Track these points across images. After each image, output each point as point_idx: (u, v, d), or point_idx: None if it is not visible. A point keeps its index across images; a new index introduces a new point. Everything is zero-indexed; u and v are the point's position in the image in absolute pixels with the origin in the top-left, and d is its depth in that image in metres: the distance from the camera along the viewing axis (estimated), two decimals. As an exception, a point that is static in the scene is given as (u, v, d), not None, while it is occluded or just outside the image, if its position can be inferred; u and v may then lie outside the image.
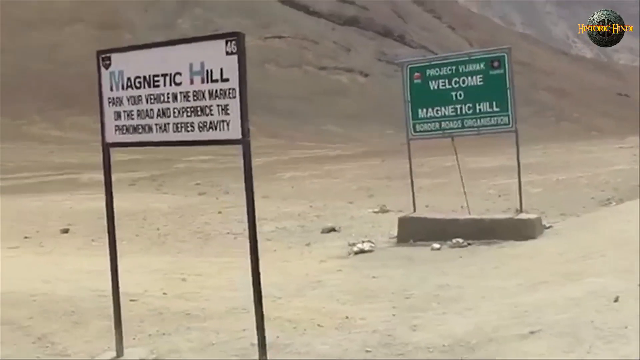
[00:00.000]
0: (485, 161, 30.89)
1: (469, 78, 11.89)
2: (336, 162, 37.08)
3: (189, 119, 6.14)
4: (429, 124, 12.29)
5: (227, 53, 5.83)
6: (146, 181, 27.82)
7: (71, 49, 70.28)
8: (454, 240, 11.00)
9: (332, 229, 13.91)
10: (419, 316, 7.21)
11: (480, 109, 11.88)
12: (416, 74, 12.26)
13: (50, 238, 14.69)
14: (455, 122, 12.08)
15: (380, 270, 9.80)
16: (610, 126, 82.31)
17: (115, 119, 6.72)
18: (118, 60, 6.68)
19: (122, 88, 6.60)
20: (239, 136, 5.89)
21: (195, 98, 6.05)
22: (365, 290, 8.61)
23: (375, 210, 16.63)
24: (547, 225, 11.93)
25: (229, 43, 5.82)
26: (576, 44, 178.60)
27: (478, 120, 11.96)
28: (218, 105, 5.93)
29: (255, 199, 17.00)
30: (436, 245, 11.01)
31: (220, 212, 17.57)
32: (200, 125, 6.07)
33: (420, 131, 12.43)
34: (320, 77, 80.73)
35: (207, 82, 5.96)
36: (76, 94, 62.53)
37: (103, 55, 6.78)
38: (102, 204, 20.04)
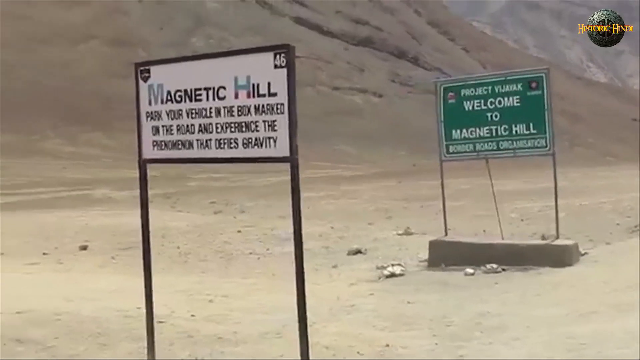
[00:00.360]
0: (505, 184, 30.49)
1: (506, 99, 11.57)
2: (351, 182, 36.83)
3: (233, 135, 5.86)
4: (463, 145, 11.95)
5: (276, 66, 5.56)
6: (160, 198, 27.55)
7: (85, 66, 70.47)
8: (488, 266, 10.66)
9: (358, 251, 13.58)
10: (463, 346, 6.90)
11: (516, 131, 11.55)
12: (450, 93, 11.96)
13: (69, 255, 14.43)
14: (490, 143, 11.74)
15: (415, 295, 9.48)
16: (626, 152, 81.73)
17: (154, 134, 6.44)
18: (157, 73, 6.41)
19: (162, 102, 6.32)
20: (287, 154, 5.61)
21: (240, 113, 5.78)
22: (402, 317, 8.30)
23: (400, 232, 16.30)
24: (583, 252, 11.58)
25: (277, 56, 5.55)
26: (590, 68, 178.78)
27: (514, 142, 11.63)
28: (264, 121, 5.65)
29: (272, 218, 16.85)
30: (469, 270, 10.67)
31: (239, 232, 17.30)
32: (245, 141, 5.79)
33: (454, 152, 12.09)
34: (334, 97, 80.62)
35: (254, 96, 5.69)
36: (89, 110, 62.60)
37: (142, 68, 6.49)
38: (117, 220, 19.83)
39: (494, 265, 10.65)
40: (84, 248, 15.10)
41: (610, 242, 14.68)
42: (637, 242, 12.67)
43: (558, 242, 11.25)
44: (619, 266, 10.08)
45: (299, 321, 5.58)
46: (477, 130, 11.77)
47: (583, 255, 11.40)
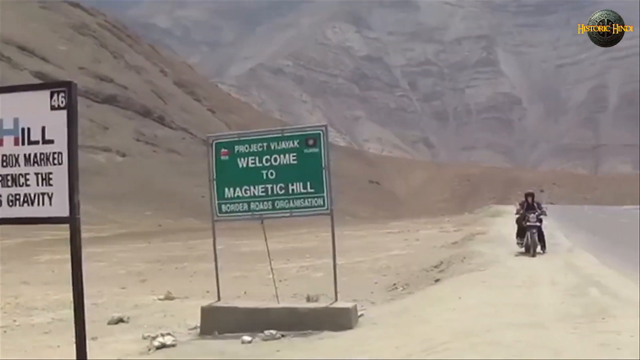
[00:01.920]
0: (256, 244, 30.31)
1: (282, 156, 11.04)
2: (96, 244, 35.00)
3: (-5, 191, 4.83)
4: (237, 205, 11.25)
5: (53, 107, 4.64)
6: None
7: None
8: (267, 332, 9.98)
9: (120, 320, 12.43)
10: None
11: (293, 190, 11.03)
12: (223, 150, 11.26)
13: None
14: (265, 203, 11.11)
15: (191, 368, 8.60)
16: (364, 212, 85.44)
17: None
18: None
19: None
20: (66, 214, 4.69)
21: (4, 164, 4.78)
22: (183, 395, 7.40)
23: (160, 297, 15.30)
24: (359, 313, 11.22)
25: (55, 95, 4.65)
26: (330, 132, 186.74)
27: (291, 202, 11.07)
28: (37, 174, 4.70)
29: (14, 284, 14.99)
30: (247, 338, 9.93)
31: (-22, 301, 15.50)
32: (11, 198, 4.78)
33: (227, 212, 11.34)
34: (76, 156, 77.62)
35: (23, 143, 4.72)
36: None
37: None
38: None
39: (273, 332, 10.00)
40: None
41: (375, 302, 14.59)
42: (409, 302, 12.61)
43: (337, 304, 10.79)
44: (403, 328, 9.78)
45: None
46: (252, 189, 11.14)
47: (360, 316, 11.05)
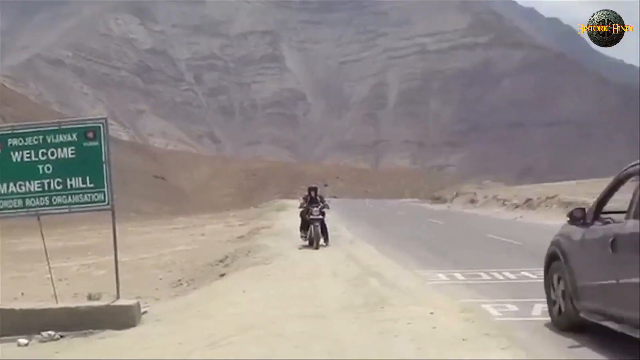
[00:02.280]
0: (35, 243, 29.09)
1: (59, 150, 10.62)
2: None
3: None
4: (11, 201, 10.70)
5: None
6: None
7: None
8: (45, 334, 9.58)
9: None
10: None
11: (72, 185, 10.64)
12: (-4, 143, 10.68)
13: None
14: (42, 199, 10.65)
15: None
16: (149, 207, 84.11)
17: None
18: None
19: None
20: None
21: None
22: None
23: None
24: (143, 310, 11.03)
25: None
26: (112, 126, 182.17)
27: (69, 197, 10.67)
28: None
29: None
30: (23, 341, 9.49)
31: None
32: None
33: (1, 209, 10.78)
34: None
35: None
36: None
37: None
38: None
39: (51, 333, 9.62)
40: None
41: (159, 298, 14.46)
42: (193, 297, 12.55)
43: (119, 302, 10.52)
44: (186, 324, 9.70)
45: None
46: (28, 184, 10.65)
47: (143, 313, 10.86)
